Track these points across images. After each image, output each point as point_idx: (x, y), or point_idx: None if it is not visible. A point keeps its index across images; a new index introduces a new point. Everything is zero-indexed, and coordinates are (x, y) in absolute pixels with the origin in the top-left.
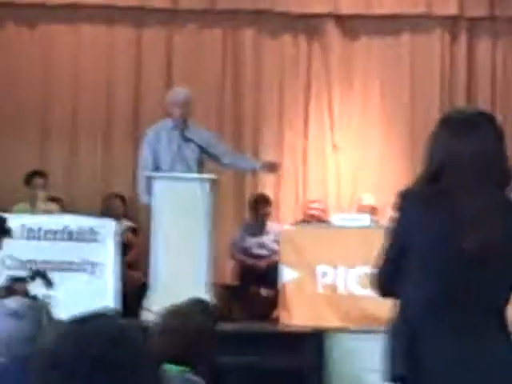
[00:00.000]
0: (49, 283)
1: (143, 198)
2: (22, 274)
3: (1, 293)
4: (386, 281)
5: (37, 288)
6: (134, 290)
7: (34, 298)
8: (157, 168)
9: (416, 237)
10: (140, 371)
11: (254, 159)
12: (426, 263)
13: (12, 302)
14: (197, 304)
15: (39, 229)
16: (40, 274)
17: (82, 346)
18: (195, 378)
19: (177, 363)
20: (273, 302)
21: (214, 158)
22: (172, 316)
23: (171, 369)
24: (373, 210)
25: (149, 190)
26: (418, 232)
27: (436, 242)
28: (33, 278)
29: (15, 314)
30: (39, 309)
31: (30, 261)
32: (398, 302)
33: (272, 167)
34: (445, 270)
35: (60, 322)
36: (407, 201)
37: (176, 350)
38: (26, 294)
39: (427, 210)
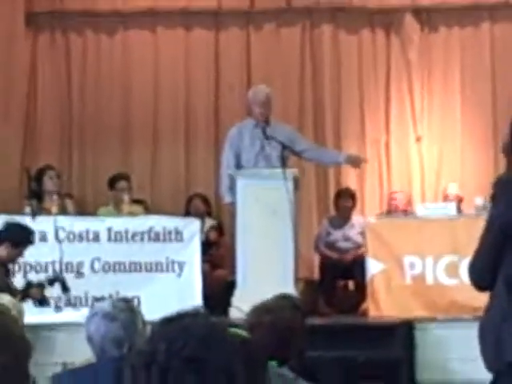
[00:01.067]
0: (66, 289)
1: (226, 198)
2: (41, 278)
3: (18, 297)
4: (485, 274)
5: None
6: (220, 288)
7: (128, 300)
8: (240, 167)
9: None
10: (233, 370)
11: (337, 153)
12: None
13: (106, 305)
14: (285, 299)
15: (126, 231)
16: (59, 280)
17: (175, 346)
18: (288, 373)
19: (269, 359)
20: (360, 296)
21: (297, 154)
22: (261, 312)
23: None
24: (458, 199)
25: (232, 189)
26: None
27: None
28: (51, 283)
29: (108, 316)
30: (132, 311)
31: (118, 262)
32: (497, 287)
33: (356, 161)
34: None
35: (153, 323)
36: (505, 188)
37: (268, 345)
38: (41, 298)
39: None
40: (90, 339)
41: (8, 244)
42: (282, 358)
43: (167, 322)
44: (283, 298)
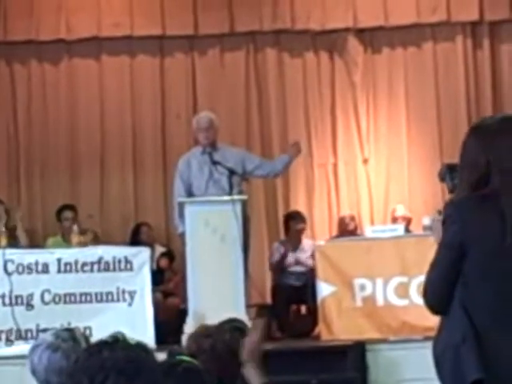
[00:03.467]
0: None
1: (180, 228)
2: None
3: None
4: (443, 299)
5: None
6: (173, 316)
7: (71, 330)
8: (191, 195)
9: (475, 245)
10: None
11: (283, 155)
12: (489, 270)
13: (49, 335)
14: (227, 322)
15: (76, 262)
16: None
17: (96, 381)
18: None
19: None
20: (313, 319)
21: (249, 174)
22: (200, 338)
23: None
24: (407, 220)
25: (182, 217)
26: (475, 240)
27: (497, 248)
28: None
29: (51, 347)
30: (75, 340)
31: (68, 294)
32: (452, 311)
33: (297, 147)
34: (508, 275)
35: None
36: (458, 211)
37: (211, 370)
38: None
39: (482, 217)
40: (33, 371)
41: None
42: (227, 381)
43: (87, 355)
44: (226, 321)
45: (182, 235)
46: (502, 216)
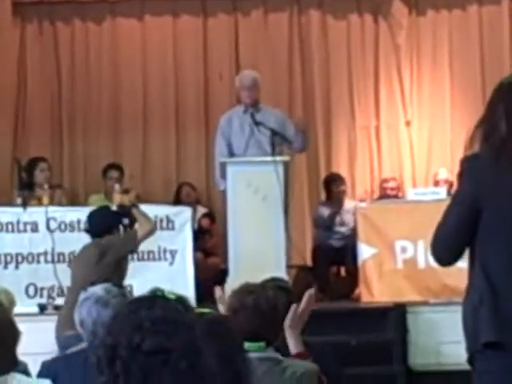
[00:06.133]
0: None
1: (220, 186)
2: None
3: None
4: (450, 250)
5: None
6: (213, 276)
7: (121, 286)
8: (232, 154)
9: (489, 202)
10: (199, 352)
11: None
12: (502, 227)
13: (99, 290)
14: (270, 281)
15: None
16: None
17: (134, 342)
18: (275, 355)
19: (253, 340)
20: (353, 281)
21: (286, 140)
22: (243, 294)
23: (248, 346)
24: (449, 184)
25: (224, 176)
26: (490, 197)
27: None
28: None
29: (101, 301)
30: (124, 297)
31: None
32: (473, 269)
33: (300, 122)
34: None
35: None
36: (473, 167)
37: (250, 326)
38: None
39: (496, 173)
40: (81, 323)
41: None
42: (269, 339)
43: (126, 314)
44: (269, 279)
45: (224, 192)
46: None
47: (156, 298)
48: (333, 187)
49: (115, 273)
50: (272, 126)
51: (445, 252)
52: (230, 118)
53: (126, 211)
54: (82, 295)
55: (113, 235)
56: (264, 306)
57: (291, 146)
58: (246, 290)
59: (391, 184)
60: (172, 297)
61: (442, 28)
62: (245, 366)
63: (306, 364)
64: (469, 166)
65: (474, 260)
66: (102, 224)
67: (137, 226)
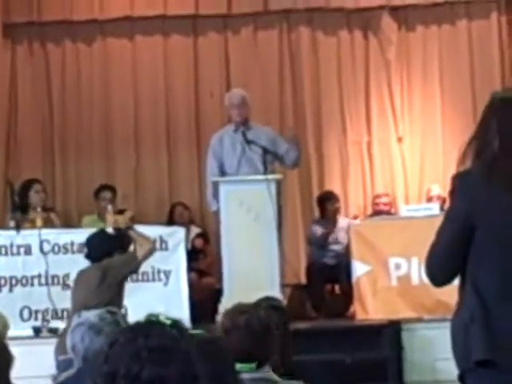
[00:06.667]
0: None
1: (213, 206)
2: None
3: None
4: (444, 270)
5: None
6: (208, 296)
7: (114, 313)
8: (224, 173)
9: (481, 218)
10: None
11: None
12: (495, 243)
13: (92, 316)
14: (263, 300)
15: None
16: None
17: (133, 371)
18: (270, 375)
19: (246, 360)
20: (347, 299)
21: (278, 157)
22: (236, 314)
23: (240, 367)
24: (442, 200)
25: (216, 196)
26: (482, 213)
27: (503, 219)
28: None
29: (94, 328)
30: (118, 325)
31: None
32: (465, 286)
33: (294, 138)
34: None
35: (110, 340)
36: (465, 183)
37: (243, 346)
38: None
39: (488, 189)
40: (73, 348)
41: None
42: (261, 359)
43: (123, 342)
44: (262, 299)
45: (216, 213)
46: (505, 180)
47: (152, 325)
48: (327, 205)
49: (117, 295)
50: (263, 143)
51: (439, 271)
52: (221, 138)
53: (122, 234)
54: (76, 320)
55: (113, 257)
56: (256, 326)
57: (283, 162)
58: (239, 310)
59: (384, 199)
60: (167, 322)
61: (431, 43)
62: None
63: None
64: (461, 183)
65: (465, 278)
66: (101, 248)
67: (136, 246)
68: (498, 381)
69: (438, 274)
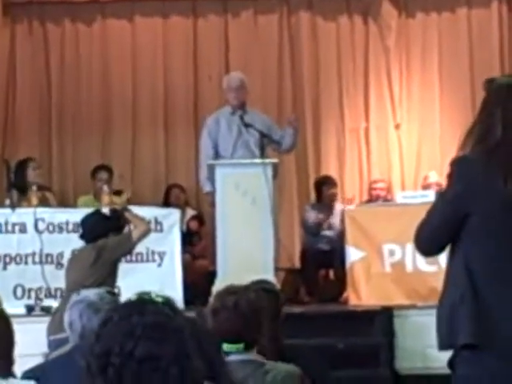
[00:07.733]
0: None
1: (206, 187)
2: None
3: None
4: (435, 245)
5: None
6: (201, 279)
7: (113, 293)
8: (218, 155)
9: (478, 203)
10: (187, 356)
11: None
12: (491, 227)
13: (92, 295)
14: (256, 283)
15: None
16: None
17: (126, 349)
18: (256, 357)
19: (233, 341)
20: (341, 284)
21: (274, 142)
22: (225, 295)
23: (227, 347)
24: (439, 187)
25: (211, 179)
26: (479, 198)
27: (500, 205)
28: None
29: (93, 307)
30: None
31: None
32: (456, 268)
33: (292, 122)
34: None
35: (103, 319)
36: (463, 168)
37: (230, 326)
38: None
39: (486, 175)
40: (70, 325)
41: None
42: (248, 341)
43: (117, 320)
44: (254, 282)
45: (209, 194)
46: (504, 170)
47: (146, 302)
48: (324, 189)
49: (110, 275)
50: (260, 128)
51: (427, 244)
52: (218, 119)
53: (118, 215)
54: (74, 297)
55: (108, 238)
56: (244, 307)
57: (279, 147)
58: (229, 291)
59: (380, 185)
60: (159, 300)
61: (431, 30)
62: (223, 370)
63: (288, 367)
64: (458, 168)
65: (454, 260)
66: (96, 229)
67: (131, 227)
68: (487, 367)
69: (426, 246)
